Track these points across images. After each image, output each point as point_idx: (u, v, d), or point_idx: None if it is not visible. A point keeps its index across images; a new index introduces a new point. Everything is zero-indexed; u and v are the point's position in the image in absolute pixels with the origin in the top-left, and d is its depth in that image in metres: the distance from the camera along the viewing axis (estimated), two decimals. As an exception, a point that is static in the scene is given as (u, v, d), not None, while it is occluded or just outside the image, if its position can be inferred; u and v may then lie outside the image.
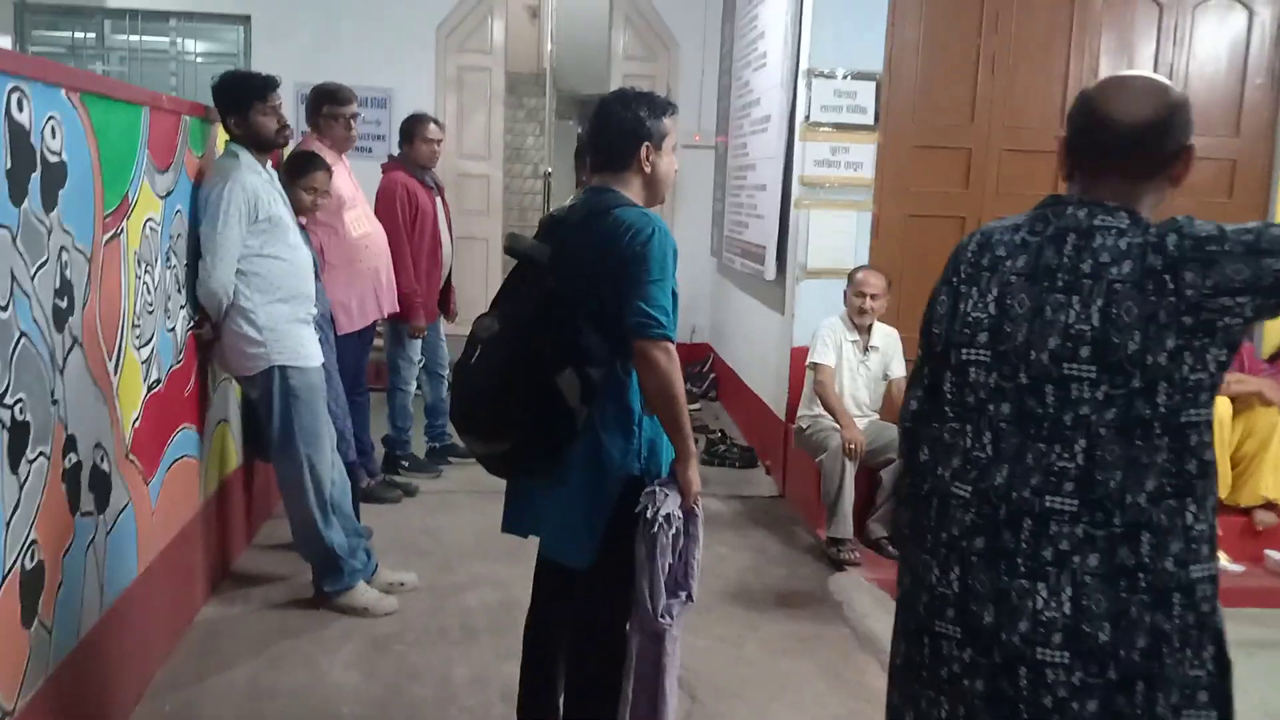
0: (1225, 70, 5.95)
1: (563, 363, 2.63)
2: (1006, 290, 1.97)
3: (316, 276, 4.47)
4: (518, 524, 2.91)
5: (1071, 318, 1.88)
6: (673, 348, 2.65)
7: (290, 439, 4.02)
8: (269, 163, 4.11)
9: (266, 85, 4.00)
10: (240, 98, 3.94)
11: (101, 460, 3.05)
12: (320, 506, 4.09)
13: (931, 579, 2.05)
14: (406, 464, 6.03)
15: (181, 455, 3.84)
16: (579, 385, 2.64)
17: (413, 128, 5.82)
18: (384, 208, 5.62)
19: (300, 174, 4.46)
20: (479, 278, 8.73)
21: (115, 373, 3.14)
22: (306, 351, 4.03)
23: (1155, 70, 5.91)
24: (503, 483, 2.93)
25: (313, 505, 4.07)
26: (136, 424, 3.34)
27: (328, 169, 4.57)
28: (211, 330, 3.96)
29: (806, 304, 5.70)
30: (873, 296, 5.06)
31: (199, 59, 8.40)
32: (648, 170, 2.78)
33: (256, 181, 3.90)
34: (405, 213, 5.66)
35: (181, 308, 3.81)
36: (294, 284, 3.99)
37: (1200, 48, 5.94)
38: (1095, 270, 1.88)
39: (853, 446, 4.81)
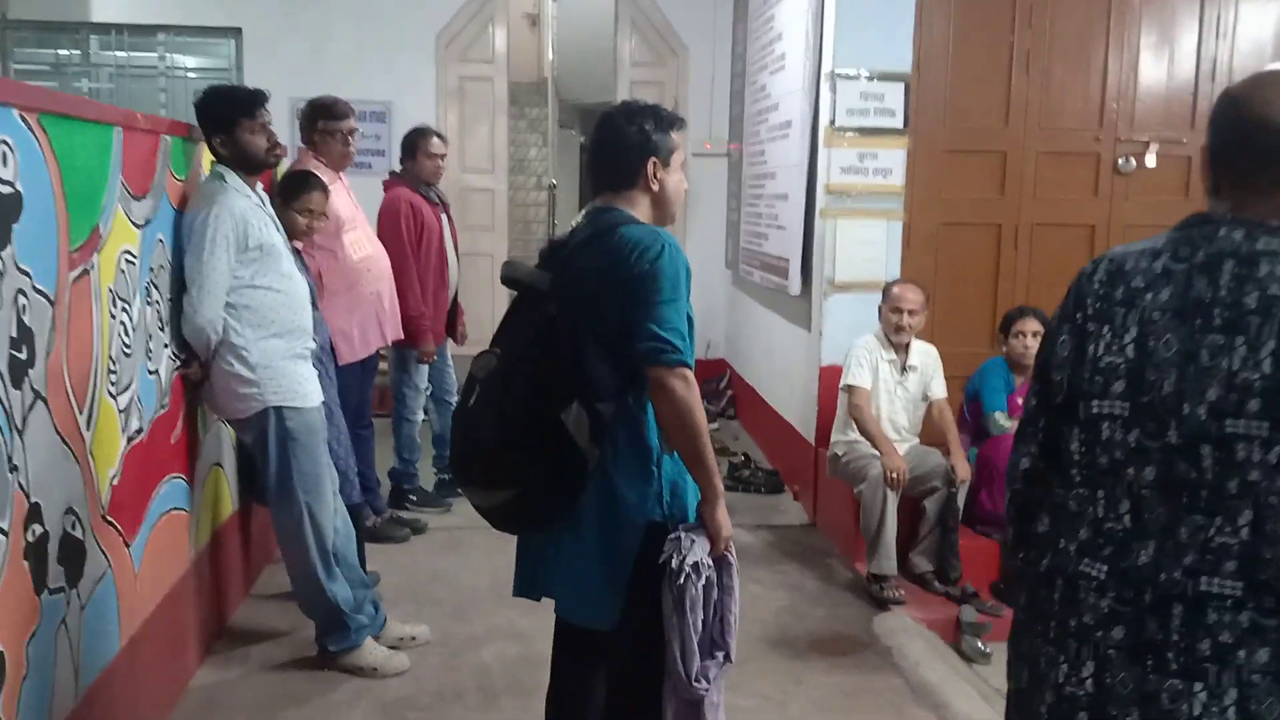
0: (1272, 63, 5.59)
1: (569, 398, 2.39)
2: (1148, 330, 1.62)
3: (314, 306, 4.14)
4: (530, 585, 2.64)
5: (1235, 363, 1.54)
6: (691, 374, 2.40)
7: (288, 486, 3.68)
8: (259, 184, 3.77)
9: (254, 100, 3.65)
10: (226, 115, 3.60)
11: (74, 527, 2.71)
12: (322, 559, 3.74)
13: (1057, 676, 1.71)
14: (414, 498, 5.69)
15: (169, 509, 3.50)
16: (588, 422, 2.40)
17: (415, 142, 5.49)
18: (387, 227, 5.29)
19: (294, 195, 4.13)
20: (485, 296, 8.38)
21: (88, 426, 2.79)
22: (304, 390, 3.68)
23: (1198, 65, 5.58)
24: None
25: (314, 558, 3.72)
26: (115, 481, 2.99)
27: (324, 189, 4.24)
28: (200, 370, 3.62)
29: (835, 320, 5.36)
30: (910, 312, 4.71)
31: (189, 74, 8.08)
32: (655, 188, 2.57)
33: (245, 205, 3.56)
34: (410, 231, 5.32)
35: (165, 347, 3.46)
36: (289, 316, 3.65)
37: (1244, 39, 5.59)
38: (1264, 305, 1.53)
39: (895, 475, 4.47)
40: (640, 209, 2.58)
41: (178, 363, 3.56)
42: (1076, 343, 1.71)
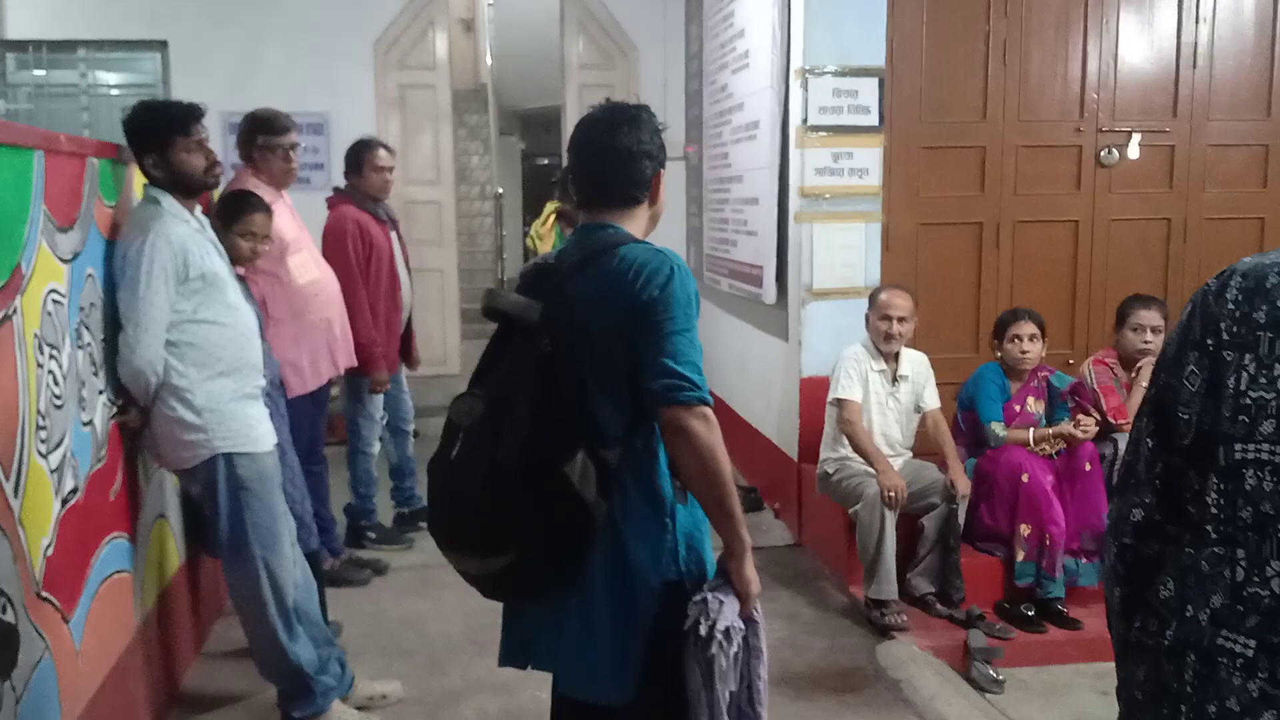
0: (1253, 48, 5.42)
1: (572, 446, 2.10)
2: (1307, 359, 1.35)
3: (262, 337, 3.80)
4: (522, 655, 2.32)
5: None
6: (712, 413, 2.12)
7: (242, 541, 3.32)
8: (198, 208, 3.42)
9: (189, 116, 3.30)
10: (158, 132, 3.24)
11: (4, 610, 2.35)
12: (283, 618, 3.39)
13: (1198, 774, 1.43)
14: (373, 535, 5.33)
15: (110, 573, 3.13)
16: (595, 472, 2.11)
17: (361, 155, 5.14)
18: (333, 248, 4.94)
19: (235, 218, 3.77)
20: (435, 314, 8.07)
21: (16, 494, 2.43)
22: (256, 433, 3.34)
23: (1178, 50, 5.38)
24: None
25: (274, 618, 3.37)
26: (49, 552, 2.63)
27: (267, 210, 3.88)
28: (139, 416, 3.25)
29: (815, 329, 5.10)
30: (900, 319, 4.45)
31: (113, 92, 7.64)
32: (660, 203, 2.34)
33: (184, 232, 3.20)
34: (358, 252, 4.98)
35: (100, 393, 3.10)
36: (237, 352, 3.30)
37: (1223, 24, 5.40)
38: None
39: (893, 494, 4.20)
40: (637, 225, 2.30)
41: (114, 409, 3.19)
42: (1209, 375, 1.43)
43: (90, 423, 2.99)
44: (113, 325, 3.15)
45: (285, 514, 3.48)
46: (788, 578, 4.87)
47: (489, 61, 13.25)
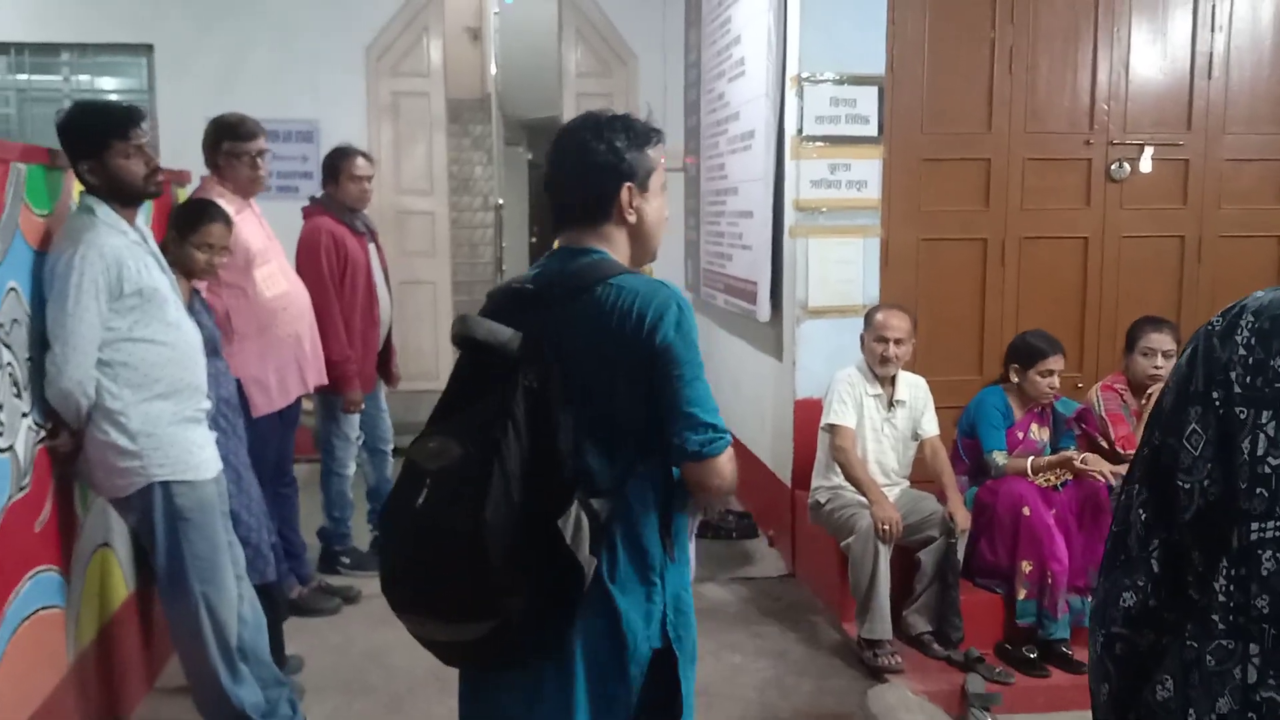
0: (1271, 58, 5.16)
1: (568, 498, 1.86)
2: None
3: (216, 354, 3.59)
4: None
5: None
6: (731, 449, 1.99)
7: (181, 575, 3.10)
8: (140, 217, 3.19)
9: (128, 118, 3.08)
10: (94, 136, 3.02)
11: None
12: (224, 657, 3.17)
13: None
14: (347, 560, 5.09)
15: (34, 610, 2.92)
16: (588, 526, 1.88)
17: (337, 164, 4.92)
18: (307, 260, 4.72)
19: (191, 228, 3.55)
20: (427, 326, 7.83)
21: (-98, 531, 2.22)
22: (196, 460, 3.11)
23: (1193, 60, 5.13)
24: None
25: (214, 657, 3.15)
26: (-51, 592, 2.41)
27: (226, 219, 3.66)
28: (71, 440, 3.04)
29: (810, 349, 4.86)
30: (896, 341, 4.21)
31: (99, 96, 7.43)
32: (632, 220, 2.06)
33: (120, 244, 2.98)
34: (332, 265, 4.75)
35: (23, 416, 2.88)
36: (176, 373, 3.08)
37: (1240, 32, 5.15)
38: None
39: (887, 528, 3.95)
40: (617, 247, 2.07)
41: (41, 434, 2.97)
42: (1217, 435, 1.18)
43: (9, 449, 2.78)
44: (41, 343, 2.93)
45: (230, 545, 3.26)
46: (778, 611, 4.63)
47: (494, 71, 13.07)
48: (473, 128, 12.78)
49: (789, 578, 5.03)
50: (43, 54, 7.31)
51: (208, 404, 3.23)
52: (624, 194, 2.03)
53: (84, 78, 7.39)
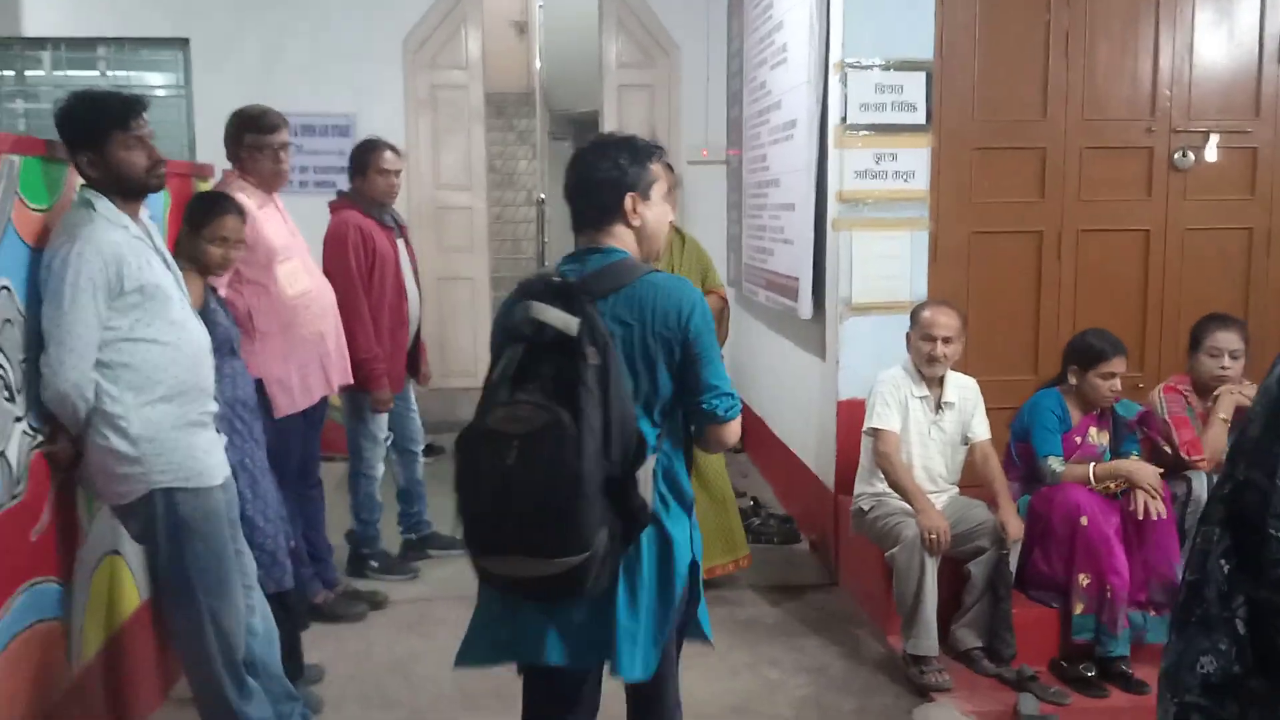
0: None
1: (642, 453, 2.33)
2: None
3: (234, 353, 3.46)
4: (527, 649, 2.40)
5: None
6: None
7: (184, 586, 2.95)
8: (145, 210, 3.05)
9: (129, 108, 2.92)
10: (93, 126, 2.87)
11: None
12: (231, 672, 3.01)
13: None
14: (376, 564, 4.95)
15: (30, 623, 2.79)
16: (652, 474, 2.37)
17: (365, 157, 4.78)
18: (333, 256, 4.60)
19: (204, 222, 3.41)
20: (465, 322, 7.70)
21: None
22: (202, 466, 2.96)
23: (1261, 43, 4.85)
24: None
25: (220, 672, 2.99)
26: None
27: (239, 212, 3.52)
28: (70, 446, 2.90)
29: (854, 347, 4.65)
30: (945, 340, 3.99)
31: (136, 91, 7.37)
32: (636, 224, 2.49)
33: (119, 239, 2.83)
34: (360, 260, 4.62)
35: (17, 421, 2.74)
36: (180, 374, 2.92)
37: (1317, 12, 4.87)
38: None
39: (934, 537, 3.74)
40: (628, 245, 2.50)
41: (37, 439, 2.84)
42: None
43: (2, 454, 2.64)
44: (37, 344, 2.80)
45: (239, 554, 3.12)
46: (819, 622, 4.42)
47: (538, 64, 12.96)
48: (517, 122, 12.66)
49: (831, 586, 4.82)
50: (80, 49, 7.26)
51: (214, 407, 3.08)
52: (628, 202, 2.45)
53: (121, 73, 7.33)
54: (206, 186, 4.15)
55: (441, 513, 5.47)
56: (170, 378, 2.91)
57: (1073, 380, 4.11)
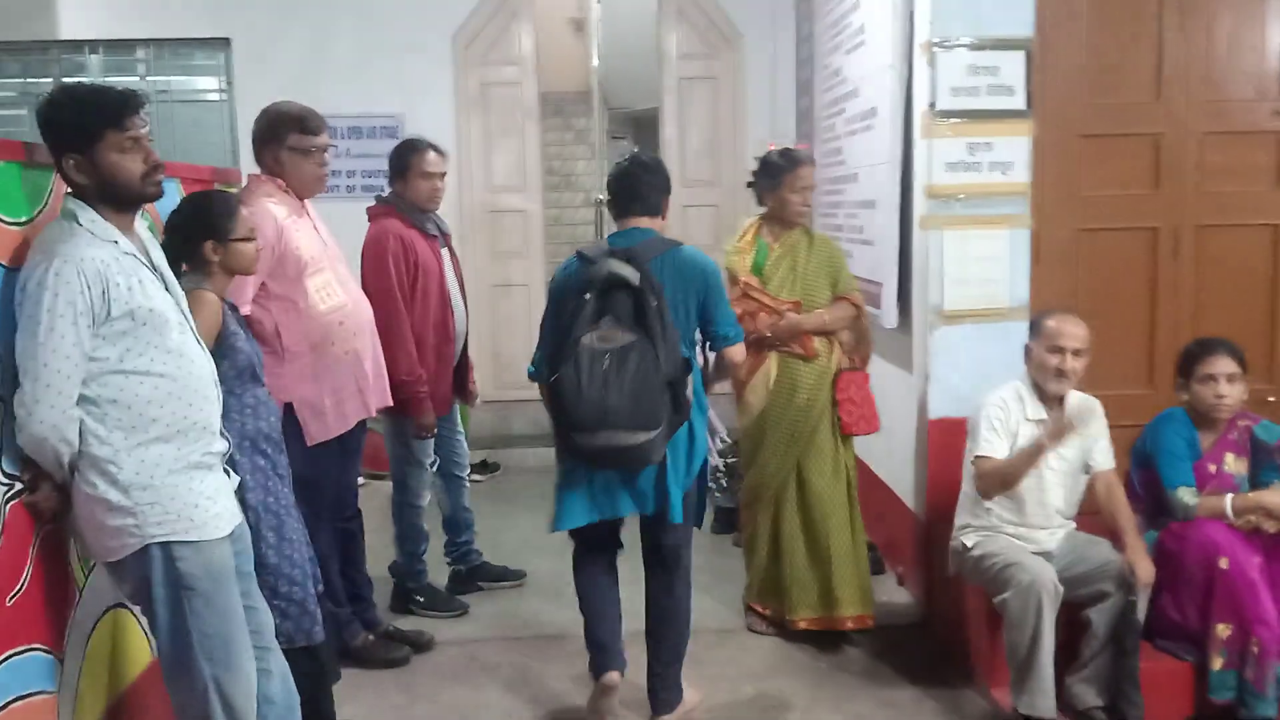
0: None
1: (688, 365, 3.38)
2: None
3: (258, 380, 3.09)
4: (594, 510, 3.45)
5: None
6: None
7: (186, 654, 2.57)
8: (141, 220, 2.67)
9: (124, 105, 2.53)
10: (81, 126, 2.48)
11: None
12: (242, 754, 2.62)
13: None
14: (421, 599, 4.56)
15: (11, 699, 2.41)
16: (690, 381, 3.40)
17: (406, 159, 4.41)
18: (372, 267, 4.25)
19: (229, 224, 3.02)
20: (520, 330, 7.26)
21: None
22: (204, 515, 2.57)
23: None
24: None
25: (229, 755, 2.61)
26: None
27: (239, 201, 3.16)
28: (54, 495, 2.52)
29: (946, 360, 4.20)
30: (1075, 353, 3.52)
31: (176, 94, 7.09)
32: (663, 221, 3.58)
33: (106, 257, 2.45)
34: (401, 272, 4.25)
35: (-11, 468, 2.37)
36: (178, 410, 2.54)
37: None
38: None
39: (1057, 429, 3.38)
40: (659, 229, 3.54)
41: (13, 488, 2.46)
42: None
43: (-34, 509, 2.27)
44: (12, 379, 2.43)
45: (251, 611, 2.73)
46: (910, 669, 3.95)
47: (595, 63, 12.63)
48: (575, 121, 12.31)
49: (922, 626, 4.34)
50: (119, 51, 7.00)
51: (222, 446, 2.69)
52: (666, 203, 3.57)
53: (162, 78, 7.04)
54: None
55: (493, 537, 5.09)
56: (167, 414, 2.52)
57: (1183, 396, 3.64)
